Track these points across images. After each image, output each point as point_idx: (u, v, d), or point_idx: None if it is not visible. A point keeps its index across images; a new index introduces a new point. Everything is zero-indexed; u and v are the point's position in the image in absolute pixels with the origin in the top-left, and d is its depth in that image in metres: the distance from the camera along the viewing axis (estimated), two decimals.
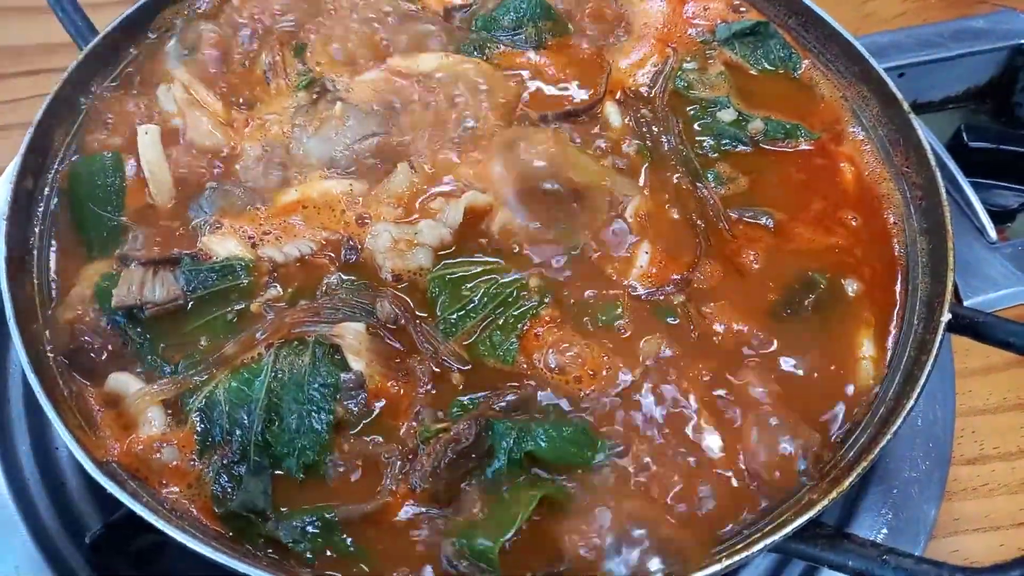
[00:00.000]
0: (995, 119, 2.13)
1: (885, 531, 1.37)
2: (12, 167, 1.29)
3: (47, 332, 1.21)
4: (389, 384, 1.18)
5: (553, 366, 1.21)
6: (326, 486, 1.12)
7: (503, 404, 1.17)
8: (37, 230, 1.30)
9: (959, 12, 2.15)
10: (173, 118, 1.42)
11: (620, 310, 1.26)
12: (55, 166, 1.36)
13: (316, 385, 1.16)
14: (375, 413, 1.17)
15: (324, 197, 1.34)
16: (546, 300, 1.26)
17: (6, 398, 1.43)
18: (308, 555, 1.08)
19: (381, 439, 1.15)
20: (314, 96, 1.44)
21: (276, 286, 1.26)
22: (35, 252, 1.28)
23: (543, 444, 1.12)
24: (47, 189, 1.34)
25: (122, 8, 1.49)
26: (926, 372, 1.18)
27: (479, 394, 1.18)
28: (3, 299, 1.18)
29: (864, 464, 1.10)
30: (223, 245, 1.28)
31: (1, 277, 1.19)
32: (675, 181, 1.41)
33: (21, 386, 1.44)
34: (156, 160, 1.35)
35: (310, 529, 1.09)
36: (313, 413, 1.14)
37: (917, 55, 2.02)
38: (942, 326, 1.20)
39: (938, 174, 1.34)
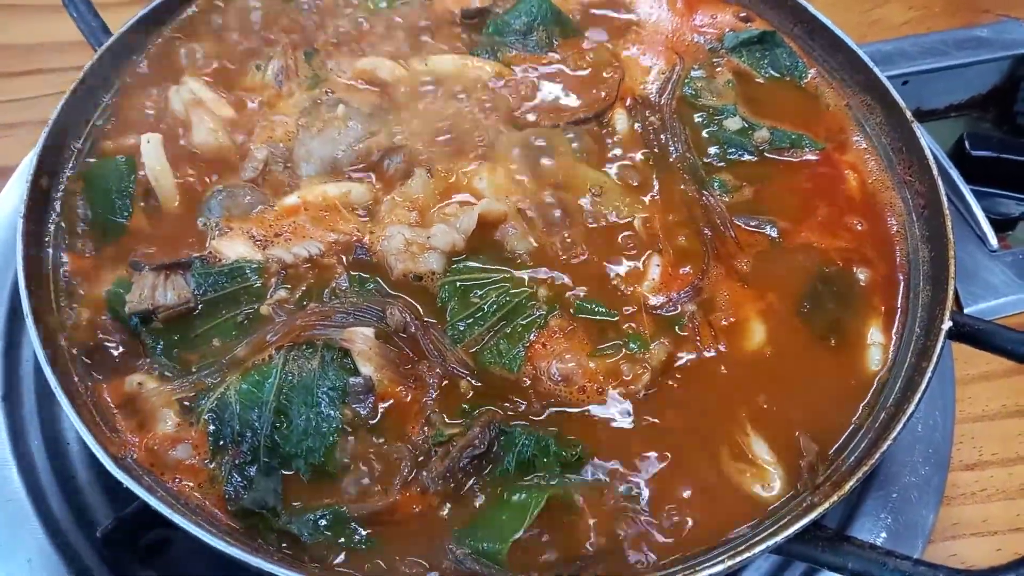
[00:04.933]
0: (997, 127, 2.15)
1: (884, 535, 1.38)
2: (28, 165, 1.31)
3: (63, 330, 1.22)
4: (398, 389, 1.19)
5: (557, 376, 1.21)
6: (337, 485, 1.13)
7: (512, 412, 1.18)
8: (52, 228, 1.31)
9: (963, 21, 2.17)
10: (181, 120, 1.42)
11: (637, 329, 1.26)
12: (69, 166, 1.37)
13: (324, 388, 1.17)
14: (384, 416, 1.18)
15: (326, 199, 1.34)
16: (555, 311, 1.26)
17: (18, 393, 1.44)
18: (322, 549, 1.09)
19: (391, 441, 1.16)
20: (326, 94, 1.44)
21: (285, 287, 1.26)
22: (50, 250, 1.29)
23: (551, 452, 1.13)
24: (62, 188, 1.35)
25: (135, 9, 1.50)
26: (926, 378, 1.18)
27: (488, 401, 1.19)
28: (20, 296, 1.19)
29: (865, 469, 1.11)
30: (232, 247, 1.28)
31: (19, 274, 1.20)
32: (682, 189, 1.41)
33: (33, 382, 1.45)
34: (159, 167, 1.36)
35: (323, 522, 1.10)
36: (321, 416, 1.15)
37: (921, 63, 2.03)
38: (943, 333, 1.21)
39: (940, 184, 1.35)
